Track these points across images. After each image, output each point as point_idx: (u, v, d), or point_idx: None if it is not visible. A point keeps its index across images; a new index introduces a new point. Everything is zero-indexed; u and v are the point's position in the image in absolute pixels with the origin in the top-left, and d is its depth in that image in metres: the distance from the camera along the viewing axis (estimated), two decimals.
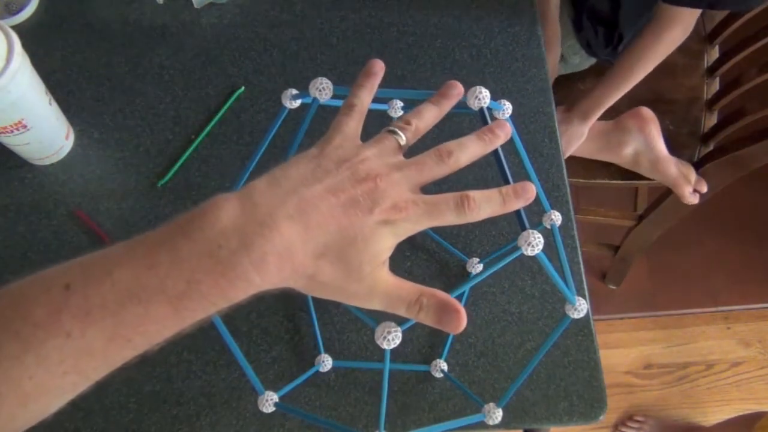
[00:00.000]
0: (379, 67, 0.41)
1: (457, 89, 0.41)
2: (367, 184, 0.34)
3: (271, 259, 0.31)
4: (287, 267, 0.32)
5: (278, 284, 0.33)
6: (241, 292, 0.32)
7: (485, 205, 0.36)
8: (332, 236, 0.33)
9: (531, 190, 0.37)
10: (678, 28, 0.94)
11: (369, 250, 0.34)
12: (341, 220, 0.33)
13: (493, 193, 0.36)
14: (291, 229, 0.32)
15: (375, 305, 0.35)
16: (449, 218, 0.35)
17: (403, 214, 0.34)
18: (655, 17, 0.95)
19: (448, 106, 0.41)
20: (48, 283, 0.31)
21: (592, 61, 1.18)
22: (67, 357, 0.30)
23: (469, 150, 0.39)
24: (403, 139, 0.38)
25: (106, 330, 0.30)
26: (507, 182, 0.39)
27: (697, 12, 0.93)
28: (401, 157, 0.37)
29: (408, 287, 0.35)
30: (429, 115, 0.40)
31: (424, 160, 0.37)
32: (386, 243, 0.34)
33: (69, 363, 0.30)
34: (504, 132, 0.40)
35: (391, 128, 0.38)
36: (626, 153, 1.11)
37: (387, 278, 0.35)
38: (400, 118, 0.39)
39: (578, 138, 1.08)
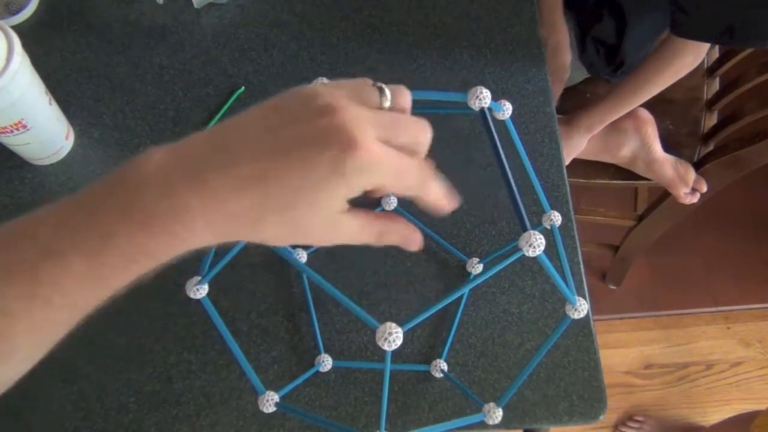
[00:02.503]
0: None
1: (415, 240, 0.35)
2: (322, 119, 0.28)
3: (197, 212, 0.28)
4: (218, 221, 0.29)
5: (214, 240, 0.30)
6: (165, 247, 0.29)
7: (437, 189, 0.33)
8: (272, 188, 0.28)
9: (448, 206, 0.34)
10: (689, 56, 0.94)
11: (317, 204, 0.29)
12: (282, 165, 0.28)
13: (442, 185, 0.34)
14: (221, 179, 0.28)
15: (334, 243, 0.32)
16: (409, 184, 0.31)
17: (363, 155, 0.28)
18: (666, 44, 0.95)
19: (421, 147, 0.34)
20: None
21: (587, 74, 1.18)
22: None
23: (438, 183, 0.33)
24: (387, 100, 0.32)
25: (25, 288, 0.28)
26: (507, 182, 0.38)
27: (707, 44, 0.93)
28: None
29: (370, 228, 0.32)
30: (409, 106, 0.34)
31: (403, 116, 0.32)
32: (337, 194, 0.29)
33: None
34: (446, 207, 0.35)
35: (379, 84, 0.32)
36: (623, 154, 1.11)
37: (348, 224, 0.31)
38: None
39: (577, 150, 1.10)
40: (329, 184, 0.28)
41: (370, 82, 0.32)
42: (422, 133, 0.32)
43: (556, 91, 1.11)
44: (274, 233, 0.30)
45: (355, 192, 0.30)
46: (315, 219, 0.30)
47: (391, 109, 0.32)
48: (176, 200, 0.28)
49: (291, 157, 0.28)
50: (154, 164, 0.29)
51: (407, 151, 0.31)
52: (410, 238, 0.34)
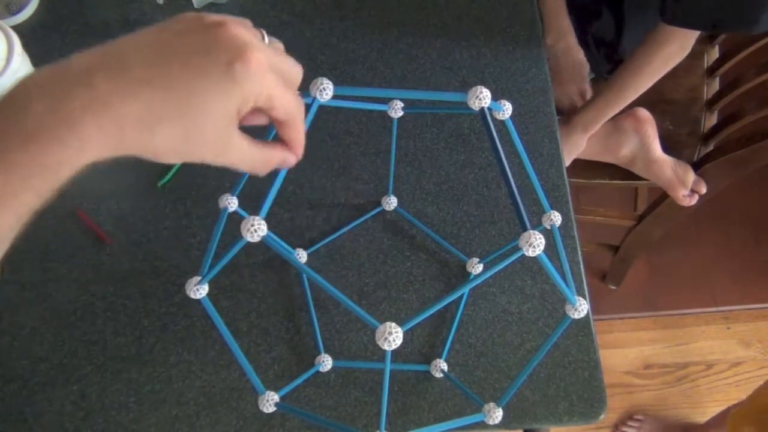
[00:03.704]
0: None
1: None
2: (214, 30, 0.30)
3: (88, 118, 0.28)
4: (108, 127, 0.28)
5: (110, 151, 0.29)
6: (59, 157, 0.28)
7: (302, 125, 0.36)
8: (163, 92, 0.29)
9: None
10: (673, 45, 0.94)
11: (209, 110, 0.30)
12: (175, 71, 0.29)
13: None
14: (109, 84, 0.28)
15: (229, 165, 0.33)
16: (290, 94, 0.33)
17: (253, 61, 0.30)
18: (653, 33, 0.95)
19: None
20: None
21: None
22: None
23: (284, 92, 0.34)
24: (265, 38, 0.35)
25: None
26: (508, 182, 0.38)
27: (695, 33, 0.93)
28: None
29: (256, 154, 0.34)
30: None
31: (282, 51, 0.35)
32: (229, 102, 0.30)
33: None
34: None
35: (260, 29, 0.35)
36: (623, 154, 1.11)
37: (237, 143, 0.32)
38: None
39: (577, 149, 1.10)
40: (221, 90, 0.29)
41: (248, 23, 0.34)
42: (297, 67, 0.35)
43: (579, 90, 1.11)
44: (166, 143, 0.30)
45: (246, 103, 0.31)
46: (207, 128, 0.30)
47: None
48: (62, 106, 0.28)
49: (183, 63, 0.29)
50: (41, 78, 0.29)
51: (285, 79, 0.34)
52: (288, 161, 0.36)
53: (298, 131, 0.36)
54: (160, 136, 0.30)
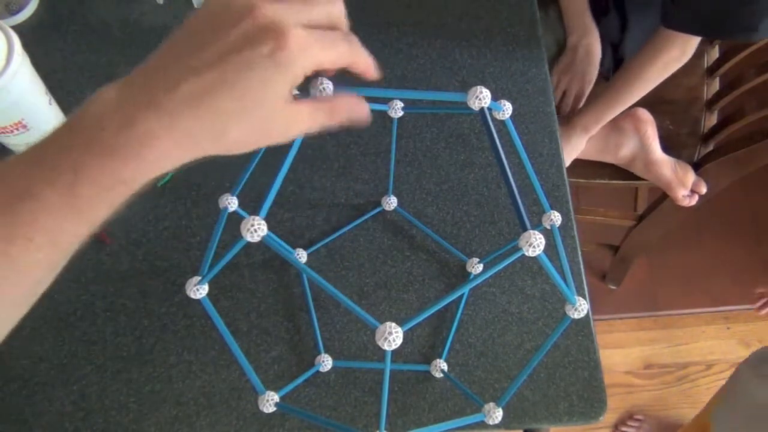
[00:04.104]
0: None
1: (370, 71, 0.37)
2: (245, 22, 0.31)
3: (161, 133, 0.30)
4: (183, 139, 0.30)
5: (185, 157, 0.31)
6: (137, 171, 0.30)
7: (359, 45, 0.35)
8: (223, 97, 0.30)
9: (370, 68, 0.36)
10: (674, 51, 0.94)
11: (268, 99, 0.31)
12: (226, 74, 0.30)
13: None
14: (172, 100, 0.30)
15: (297, 135, 0.34)
16: (342, 50, 0.33)
17: (292, 43, 0.30)
18: (654, 37, 0.96)
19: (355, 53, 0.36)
20: None
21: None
22: None
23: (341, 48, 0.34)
24: None
25: (3, 230, 0.29)
26: (507, 182, 0.38)
27: (696, 38, 0.93)
28: None
29: (320, 113, 0.34)
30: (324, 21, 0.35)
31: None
32: (283, 85, 0.31)
33: None
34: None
35: None
36: (623, 154, 1.11)
37: (297, 115, 0.33)
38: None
39: (577, 151, 1.10)
40: (273, 78, 0.31)
41: None
42: (333, 5, 0.34)
43: (585, 94, 1.12)
44: (238, 139, 0.32)
45: (299, 77, 0.32)
46: (272, 114, 0.32)
47: None
48: (137, 127, 0.29)
49: (230, 64, 0.30)
50: (109, 98, 0.30)
51: (328, 25, 0.34)
52: (357, 109, 0.36)
53: (360, 63, 0.35)
54: (232, 135, 0.31)
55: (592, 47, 1.10)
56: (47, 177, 0.29)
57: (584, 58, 1.11)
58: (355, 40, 0.34)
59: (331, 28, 0.34)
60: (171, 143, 0.30)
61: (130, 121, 0.30)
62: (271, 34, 0.30)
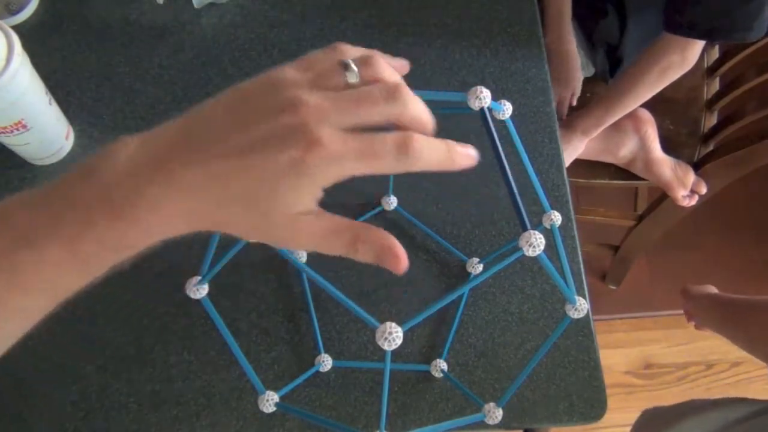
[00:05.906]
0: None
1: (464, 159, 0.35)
2: (285, 116, 0.29)
3: (168, 205, 0.29)
4: (189, 214, 0.30)
5: (188, 229, 0.31)
6: (142, 236, 0.30)
7: (428, 152, 0.31)
8: (236, 186, 0.29)
9: (473, 155, 0.34)
10: (674, 55, 0.94)
11: (279, 201, 0.29)
12: (248, 164, 0.28)
13: (438, 142, 0.32)
14: (188, 174, 0.29)
15: (304, 249, 0.33)
16: (387, 163, 0.30)
17: (323, 153, 0.28)
18: (655, 42, 0.96)
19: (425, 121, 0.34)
20: None
21: (591, 71, 1.19)
22: None
23: (429, 144, 0.31)
24: (354, 76, 0.31)
25: (3, 276, 0.29)
26: (507, 182, 0.38)
27: (697, 45, 0.93)
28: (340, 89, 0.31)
29: (340, 235, 0.31)
30: (381, 72, 0.33)
31: (370, 91, 0.31)
32: (300, 192, 0.29)
33: None
34: (469, 157, 0.35)
35: (346, 61, 0.32)
36: (623, 154, 1.11)
37: (311, 226, 0.31)
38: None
39: (576, 153, 1.11)
40: (288, 183, 0.29)
41: (336, 57, 0.32)
42: (405, 106, 0.31)
43: (568, 100, 1.11)
44: (240, 231, 0.31)
45: (321, 186, 0.30)
46: (276, 217, 0.30)
47: (361, 82, 0.32)
48: (147, 193, 0.29)
49: (255, 156, 0.28)
50: (126, 156, 0.30)
51: (399, 125, 0.31)
52: (390, 253, 0.31)
53: (424, 161, 0.31)
54: (234, 228, 0.31)
55: (570, 54, 1.09)
56: (55, 228, 0.29)
57: (561, 66, 1.10)
58: (410, 147, 0.30)
59: (404, 128, 0.31)
60: (177, 217, 0.30)
61: (142, 188, 0.29)
62: (305, 139, 0.28)
